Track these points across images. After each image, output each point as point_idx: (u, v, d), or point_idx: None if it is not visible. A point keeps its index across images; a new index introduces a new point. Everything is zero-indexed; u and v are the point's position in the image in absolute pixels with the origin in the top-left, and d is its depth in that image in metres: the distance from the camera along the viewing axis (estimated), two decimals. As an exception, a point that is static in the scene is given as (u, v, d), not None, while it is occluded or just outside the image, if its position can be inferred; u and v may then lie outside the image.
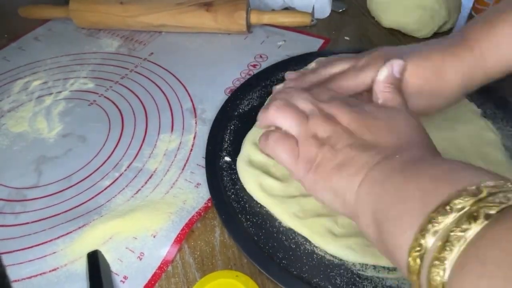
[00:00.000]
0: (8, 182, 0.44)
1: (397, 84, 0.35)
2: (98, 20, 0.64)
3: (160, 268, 0.36)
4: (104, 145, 0.47)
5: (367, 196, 0.27)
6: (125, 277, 0.35)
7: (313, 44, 0.60)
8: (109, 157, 0.46)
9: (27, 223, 0.40)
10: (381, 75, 0.35)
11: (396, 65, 0.35)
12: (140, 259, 0.36)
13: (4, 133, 0.49)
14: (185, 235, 0.38)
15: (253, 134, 0.43)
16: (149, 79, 0.56)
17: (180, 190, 0.41)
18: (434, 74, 0.36)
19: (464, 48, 0.36)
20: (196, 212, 0.39)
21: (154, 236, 0.37)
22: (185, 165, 0.44)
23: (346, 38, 0.62)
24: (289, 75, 0.45)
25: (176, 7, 0.60)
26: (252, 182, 0.39)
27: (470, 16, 0.66)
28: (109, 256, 0.36)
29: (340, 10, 0.67)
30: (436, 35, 0.61)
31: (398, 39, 0.61)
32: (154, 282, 0.35)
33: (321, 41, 0.60)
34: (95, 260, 0.35)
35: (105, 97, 0.53)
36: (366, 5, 0.67)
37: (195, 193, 0.41)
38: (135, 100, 0.53)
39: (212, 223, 0.39)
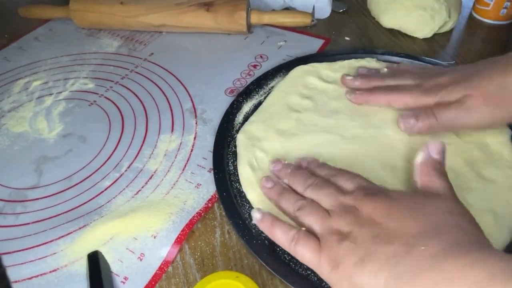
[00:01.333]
0: (9, 182, 0.44)
1: (437, 166, 0.33)
2: (98, 20, 0.64)
3: (160, 268, 0.36)
4: (104, 145, 0.47)
5: None
6: (125, 278, 0.35)
7: (314, 44, 0.60)
8: (109, 157, 0.46)
9: (28, 223, 0.40)
10: (418, 159, 0.34)
11: (433, 146, 0.34)
12: (141, 260, 0.36)
13: (4, 133, 0.49)
14: (186, 236, 0.38)
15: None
16: (149, 79, 0.56)
17: (181, 191, 0.41)
18: (499, 91, 0.37)
19: None
20: (197, 213, 0.39)
21: (154, 237, 0.37)
22: (185, 166, 0.44)
23: (347, 38, 0.62)
24: (361, 70, 0.49)
25: (176, 7, 0.60)
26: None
27: (470, 16, 0.66)
28: (110, 257, 0.36)
29: (341, 10, 0.67)
30: (437, 35, 0.61)
31: (398, 39, 0.61)
32: (155, 282, 0.35)
33: (322, 41, 0.60)
34: (95, 261, 0.35)
35: (105, 97, 0.53)
36: (366, 5, 0.67)
37: (195, 194, 0.41)
38: (135, 100, 0.53)
39: (212, 223, 0.39)
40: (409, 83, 0.43)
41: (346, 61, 0.53)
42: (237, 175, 0.42)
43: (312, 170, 0.38)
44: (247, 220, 0.38)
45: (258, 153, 0.42)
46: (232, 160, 0.43)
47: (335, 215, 0.32)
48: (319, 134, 0.44)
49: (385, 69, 0.47)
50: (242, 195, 0.40)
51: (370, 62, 0.52)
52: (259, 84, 0.52)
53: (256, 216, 0.35)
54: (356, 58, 0.53)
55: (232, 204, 0.39)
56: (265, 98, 0.50)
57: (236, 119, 0.48)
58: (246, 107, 0.49)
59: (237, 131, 0.46)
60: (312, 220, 0.32)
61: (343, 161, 0.40)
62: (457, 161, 0.40)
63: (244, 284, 0.32)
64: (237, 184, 0.41)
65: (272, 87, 0.51)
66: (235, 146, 0.44)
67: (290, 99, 0.48)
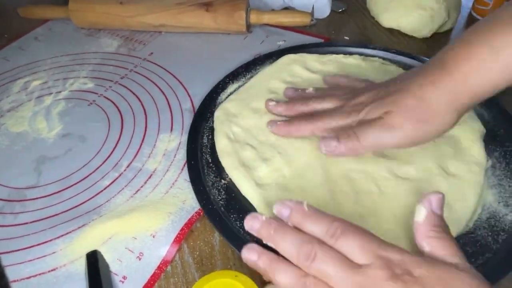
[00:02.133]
0: (8, 182, 0.44)
1: (442, 224, 0.30)
2: (98, 20, 0.64)
3: (159, 268, 0.36)
4: (103, 145, 0.47)
5: None
6: (124, 277, 0.35)
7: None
8: (108, 157, 0.46)
9: (27, 223, 0.40)
10: (419, 216, 0.30)
11: (434, 199, 0.30)
12: (140, 259, 0.36)
13: (4, 133, 0.49)
14: (185, 235, 0.38)
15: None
16: (148, 79, 0.56)
17: (180, 190, 0.41)
18: (418, 105, 0.35)
19: (443, 74, 0.34)
20: (196, 212, 0.39)
21: (153, 236, 0.37)
22: (184, 165, 0.44)
23: (346, 38, 0.62)
24: (287, 91, 0.47)
25: (176, 7, 0.60)
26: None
27: (470, 16, 0.66)
28: (109, 256, 0.36)
29: (340, 10, 0.67)
30: (436, 35, 0.61)
31: (397, 39, 0.61)
32: (154, 282, 0.35)
33: (321, 41, 0.60)
34: (94, 260, 0.35)
35: (104, 97, 0.53)
36: (366, 5, 0.67)
37: (194, 193, 0.41)
38: (135, 100, 0.53)
39: (211, 223, 0.39)
40: (334, 105, 0.41)
41: (334, 55, 0.54)
42: (209, 147, 0.44)
43: (297, 224, 0.31)
44: (208, 188, 0.40)
45: (234, 127, 0.45)
46: (207, 134, 0.46)
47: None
48: None
49: (311, 89, 0.45)
50: (210, 166, 0.42)
51: (356, 60, 0.53)
52: (248, 68, 0.54)
53: (253, 258, 0.31)
54: (346, 51, 0.55)
55: (198, 171, 0.41)
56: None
57: (219, 97, 0.50)
58: (231, 88, 0.52)
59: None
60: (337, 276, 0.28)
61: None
62: (426, 155, 0.40)
63: (243, 283, 0.32)
64: (208, 155, 0.44)
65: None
66: (213, 122, 0.47)
67: (271, 83, 0.50)
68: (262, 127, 0.45)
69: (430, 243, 0.29)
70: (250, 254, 0.31)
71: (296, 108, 0.44)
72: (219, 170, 0.42)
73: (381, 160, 0.40)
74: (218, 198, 0.39)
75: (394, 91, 0.37)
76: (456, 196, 0.37)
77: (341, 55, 0.54)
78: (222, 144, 0.43)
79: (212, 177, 0.41)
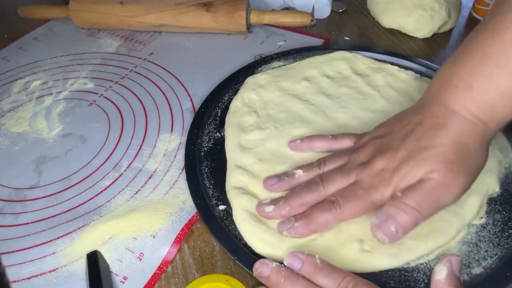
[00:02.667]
0: (8, 182, 0.44)
1: (460, 286, 0.31)
2: (98, 20, 0.64)
3: (159, 268, 0.36)
4: (104, 145, 0.47)
5: None
6: (124, 278, 0.35)
7: (313, 44, 0.60)
8: (109, 157, 0.46)
9: (27, 223, 0.40)
10: (440, 275, 0.31)
11: (455, 261, 0.32)
12: (140, 260, 0.36)
13: (4, 133, 0.49)
14: (185, 236, 0.38)
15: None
16: (149, 79, 0.56)
17: (180, 191, 0.41)
18: (461, 156, 0.33)
19: (463, 122, 0.33)
20: (196, 213, 0.39)
21: (153, 237, 0.37)
22: (185, 165, 0.44)
23: (346, 38, 0.62)
24: (270, 185, 0.39)
25: (176, 7, 0.60)
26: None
27: (470, 16, 0.66)
28: (109, 257, 0.36)
29: (340, 10, 0.67)
30: (436, 35, 0.61)
31: (398, 39, 0.61)
32: (154, 282, 0.35)
33: (321, 41, 0.60)
34: (94, 261, 0.35)
35: (105, 97, 0.53)
36: (366, 5, 0.67)
37: (194, 194, 0.41)
38: (135, 100, 0.53)
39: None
40: (343, 183, 0.36)
41: (390, 65, 0.52)
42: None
43: (309, 277, 0.32)
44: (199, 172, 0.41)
45: (253, 95, 0.49)
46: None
47: None
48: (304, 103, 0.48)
49: (300, 171, 0.38)
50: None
51: (409, 76, 0.51)
52: (300, 52, 0.56)
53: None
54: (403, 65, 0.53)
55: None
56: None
57: (261, 68, 0.54)
58: (276, 64, 0.55)
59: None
60: None
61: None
62: None
63: (233, 287, 0.32)
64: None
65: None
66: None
67: (310, 70, 0.52)
68: (278, 103, 0.48)
69: None
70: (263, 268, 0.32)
71: (305, 201, 0.36)
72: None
73: None
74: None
75: (420, 149, 0.33)
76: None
77: (397, 68, 0.52)
78: (234, 105, 0.48)
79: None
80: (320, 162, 0.39)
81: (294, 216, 0.36)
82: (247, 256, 0.34)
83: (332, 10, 0.67)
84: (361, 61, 0.53)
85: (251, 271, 0.33)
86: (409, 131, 0.35)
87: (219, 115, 0.49)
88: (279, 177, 0.39)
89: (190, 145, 0.44)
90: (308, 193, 0.36)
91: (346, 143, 0.40)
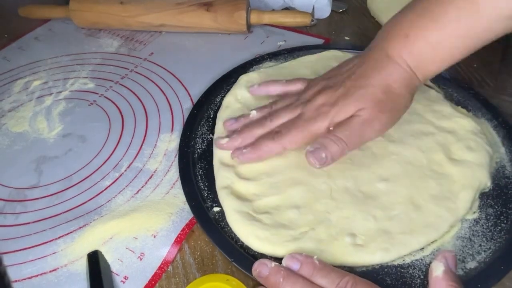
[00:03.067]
0: (9, 182, 0.44)
1: (458, 281, 0.32)
2: (98, 20, 0.64)
3: (160, 268, 0.36)
4: (104, 145, 0.47)
5: None
6: (125, 277, 0.35)
7: (313, 44, 0.60)
8: (109, 157, 0.46)
9: (28, 223, 0.40)
10: (438, 271, 0.32)
11: (451, 258, 0.33)
12: (141, 259, 0.36)
13: (4, 133, 0.49)
14: (186, 235, 0.38)
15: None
16: (149, 79, 0.56)
17: (181, 190, 0.41)
18: (387, 97, 0.38)
19: (395, 67, 0.38)
20: (196, 212, 0.39)
21: (154, 236, 0.37)
22: (179, 168, 0.44)
23: (346, 38, 0.62)
24: (229, 125, 0.43)
25: (176, 7, 0.60)
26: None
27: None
28: (110, 256, 0.36)
29: (340, 10, 0.67)
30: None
31: (398, 39, 0.61)
32: (155, 282, 0.35)
33: (321, 41, 0.60)
34: (95, 261, 0.35)
35: (105, 97, 0.53)
36: (366, 5, 0.67)
37: (195, 193, 0.41)
38: (135, 100, 0.53)
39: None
40: (289, 117, 0.40)
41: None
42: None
43: (308, 277, 0.32)
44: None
45: (245, 92, 0.48)
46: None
47: None
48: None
49: (254, 112, 0.43)
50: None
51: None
52: (291, 52, 0.56)
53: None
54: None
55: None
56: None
57: (252, 68, 0.53)
58: (267, 64, 0.54)
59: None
60: None
61: None
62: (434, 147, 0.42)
63: (234, 287, 0.32)
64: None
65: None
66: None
67: (303, 69, 0.52)
68: (271, 100, 0.46)
69: None
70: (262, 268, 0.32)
71: (254, 133, 0.41)
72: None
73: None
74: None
75: (355, 87, 0.38)
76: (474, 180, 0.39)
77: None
78: (226, 100, 0.48)
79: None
80: (272, 103, 0.44)
81: (245, 145, 0.41)
82: (243, 257, 0.34)
83: (332, 10, 0.67)
84: None
85: (249, 272, 0.33)
86: (351, 73, 0.40)
87: (211, 116, 0.48)
88: (237, 118, 0.44)
89: (183, 147, 0.44)
90: (258, 127, 0.41)
91: (299, 86, 0.44)
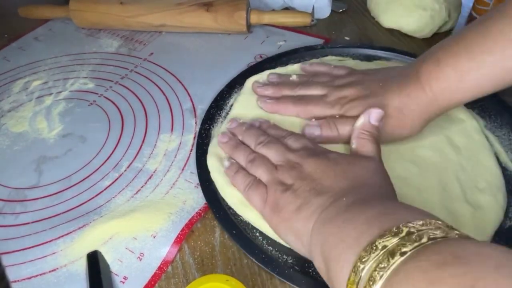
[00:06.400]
0: (8, 182, 0.44)
1: (373, 132, 0.37)
2: (98, 20, 0.64)
3: (160, 268, 0.36)
4: (104, 145, 0.47)
5: (317, 236, 0.30)
6: (125, 278, 0.35)
7: (313, 44, 0.60)
8: (109, 157, 0.46)
9: (27, 223, 0.40)
10: (358, 122, 0.38)
11: (374, 113, 0.38)
12: (140, 260, 0.36)
13: (4, 133, 0.49)
14: (185, 236, 0.38)
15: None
16: (149, 79, 0.56)
17: (180, 191, 0.41)
18: (396, 115, 0.39)
19: (417, 89, 0.39)
20: (196, 213, 0.39)
21: (154, 237, 0.37)
22: (185, 165, 0.44)
23: (346, 38, 0.62)
24: (272, 78, 0.50)
25: (176, 7, 0.60)
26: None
27: (470, 16, 0.65)
28: (109, 257, 0.36)
29: (340, 10, 0.67)
30: (436, 35, 0.61)
31: (398, 39, 0.61)
32: (154, 282, 0.35)
33: (321, 41, 0.60)
34: (95, 261, 0.35)
35: (105, 97, 0.53)
36: (366, 5, 0.67)
37: (195, 194, 0.41)
38: (135, 100, 0.53)
39: (212, 223, 0.39)
40: (317, 93, 0.45)
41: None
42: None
43: (264, 129, 0.42)
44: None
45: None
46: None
47: (281, 169, 0.36)
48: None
49: (295, 76, 0.48)
50: None
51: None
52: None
53: (225, 164, 0.40)
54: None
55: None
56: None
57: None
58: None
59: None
60: (262, 172, 0.37)
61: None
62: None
63: (233, 287, 0.32)
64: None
65: None
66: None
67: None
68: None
69: (356, 142, 0.37)
70: (223, 138, 0.42)
71: (283, 92, 0.47)
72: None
73: None
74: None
75: (375, 93, 0.41)
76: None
77: (383, 63, 0.53)
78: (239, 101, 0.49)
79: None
80: (312, 76, 0.48)
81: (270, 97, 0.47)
82: (253, 246, 0.36)
83: (332, 10, 0.66)
84: (349, 63, 0.53)
85: (257, 260, 0.35)
86: (381, 81, 0.42)
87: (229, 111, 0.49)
88: (281, 76, 0.50)
89: (201, 134, 0.45)
90: (288, 89, 0.47)
91: (341, 71, 0.47)
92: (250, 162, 0.38)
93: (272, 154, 0.38)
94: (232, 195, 0.39)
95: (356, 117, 0.39)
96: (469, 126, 0.44)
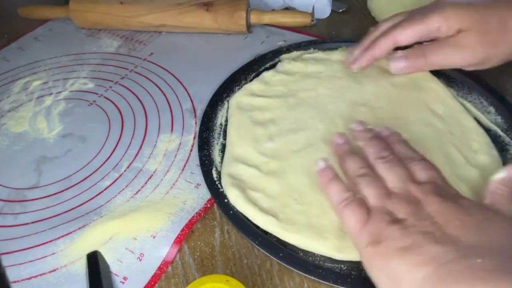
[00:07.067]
0: (8, 182, 0.44)
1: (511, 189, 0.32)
2: (98, 20, 0.64)
3: (160, 268, 0.36)
4: (104, 145, 0.47)
5: None
6: (124, 278, 0.35)
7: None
8: (109, 157, 0.46)
9: (27, 223, 0.40)
10: (497, 176, 0.32)
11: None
12: (140, 260, 0.36)
13: (4, 133, 0.49)
14: (185, 236, 0.38)
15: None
16: (149, 79, 0.56)
17: (180, 191, 0.41)
18: (498, 22, 0.35)
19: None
20: (196, 213, 0.39)
21: (154, 237, 0.37)
22: (185, 166, 0.44)
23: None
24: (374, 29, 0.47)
25: (176, 7, 0.60)
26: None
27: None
28: (109, 257, 0.36)
29: (340, 10, 0.67)
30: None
31: (398, 39, 0.61)
32: (154, 283, 0.35)
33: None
34: (94, 261, 0.35)
35: (105, 97, 0.53)
36: (366, 5, 0.67)
37: (195, 194, 0.41)
38: (135, 100, 0.53)
39: (212, 223, 0.39)
40: (400, 20, 0.44)
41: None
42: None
43: (391, 142, 0.36)
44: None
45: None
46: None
47: (396, 199, 0.31)
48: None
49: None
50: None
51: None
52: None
53: (319, 164, 0.36)
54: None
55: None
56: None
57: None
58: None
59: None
60: (371, 193, 0.32)
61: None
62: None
63: (233, 287, 0.32)
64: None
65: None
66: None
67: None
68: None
69: (491, 197, 0.31)
70: (339, 138, 0.38)
71: (371, 38, 0.46)
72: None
73: None
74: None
75: (472, 8, 0.37)
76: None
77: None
78: (266, 75, 0.51)
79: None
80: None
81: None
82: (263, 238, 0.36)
83: (332, 10, 0.66)
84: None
85: (262, 249, 0.35)
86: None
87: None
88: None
89: (203, 131, 0.45)
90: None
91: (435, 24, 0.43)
92: (361, 176, 0.33)
93: (391, 177, 0.33)
94: (267, 221, 0.36)
95: (446, 38, 0.37)
96: (442, 93, 0.45)
